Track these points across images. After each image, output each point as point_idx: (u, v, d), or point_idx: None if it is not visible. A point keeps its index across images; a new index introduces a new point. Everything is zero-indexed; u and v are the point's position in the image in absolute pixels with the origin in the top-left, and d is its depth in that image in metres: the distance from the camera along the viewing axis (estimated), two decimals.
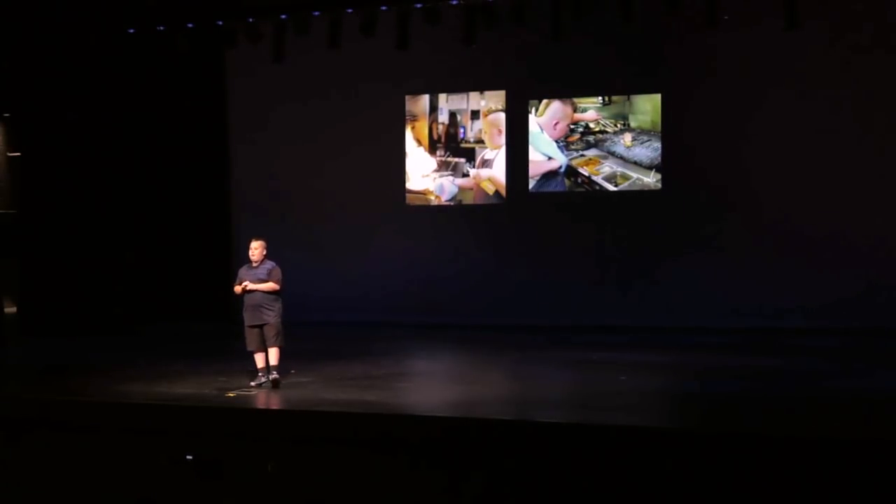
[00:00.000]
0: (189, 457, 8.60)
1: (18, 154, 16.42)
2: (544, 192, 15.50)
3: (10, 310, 15.75)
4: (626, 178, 15.00)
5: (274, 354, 10.28)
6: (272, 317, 10.19)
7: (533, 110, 15.47)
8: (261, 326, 10.22)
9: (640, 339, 13.75)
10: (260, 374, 10.28)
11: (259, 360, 10.30)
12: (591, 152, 15.16)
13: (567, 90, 15.31)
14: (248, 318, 10.26)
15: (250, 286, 10.15)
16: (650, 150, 14.87)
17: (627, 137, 14.96)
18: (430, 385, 10.50)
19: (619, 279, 15.11)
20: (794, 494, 7.46)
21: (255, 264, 10.27)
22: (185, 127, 16.33)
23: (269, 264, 10.30)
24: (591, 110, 15.16)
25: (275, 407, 9.80)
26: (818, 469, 7.50)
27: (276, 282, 10.20)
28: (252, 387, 10.21)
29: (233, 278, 10.46)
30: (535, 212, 15.59)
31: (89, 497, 8.86)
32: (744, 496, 7.57)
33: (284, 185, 16.33)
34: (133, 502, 8.74)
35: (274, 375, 10.26)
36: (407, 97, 15.98)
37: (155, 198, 16.31)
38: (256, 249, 10.28)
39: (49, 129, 15.74)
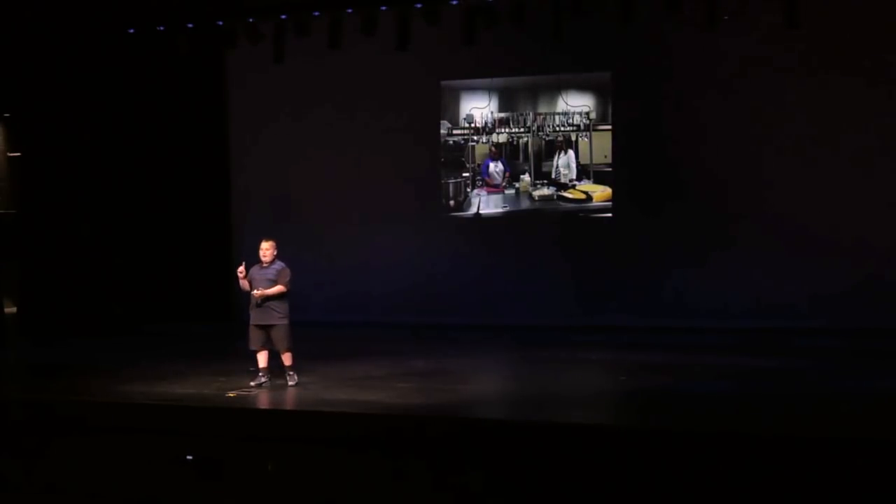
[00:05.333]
0: (189, 457, 8.60)
1: (18, 154, 16.43)
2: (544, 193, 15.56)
3: (10, 310, 15.75)
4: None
5: (288, 357, 10.29)
6: (279, 317, 10.16)
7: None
8: (266, 327, 10.21)
9: (639, 339, 13.74)
10: (260, 373, 10.27)
11: (261, 359, 10.28)
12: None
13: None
14: (255, 317, 10.21)
15: (260, 293, 10.07)
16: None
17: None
18: (430, 385, 10.49)
19: (618, 280, 15.11)
20: (794, 494, 7.46)
21: (265, 264, 10.27)
22: (186, 127, 16.33)
23: (279, 265, 10.27)
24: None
25: (275, 407, 9.80)
26: (818, 469, 7.50)
27: (283, 284, 10.16)
28: (252, 387, 10.21)
29: (233, 279, 10.43)
30: (535, 211, 15.60)
31: (89, 497, 8.86)
32: (743, 496, 7.57)
33: (285, 186, 16.32)
34: (133, 502, 8.74)
35: (292, 376, 10.28)
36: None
37: (155, 198, 16.31)
38: (267, 250, 10.23)
39: (49, 129, 15.75)
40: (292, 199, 16.23)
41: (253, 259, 10.30)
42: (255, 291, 10.10)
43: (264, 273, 10.20)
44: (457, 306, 15.45)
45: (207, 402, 9.67)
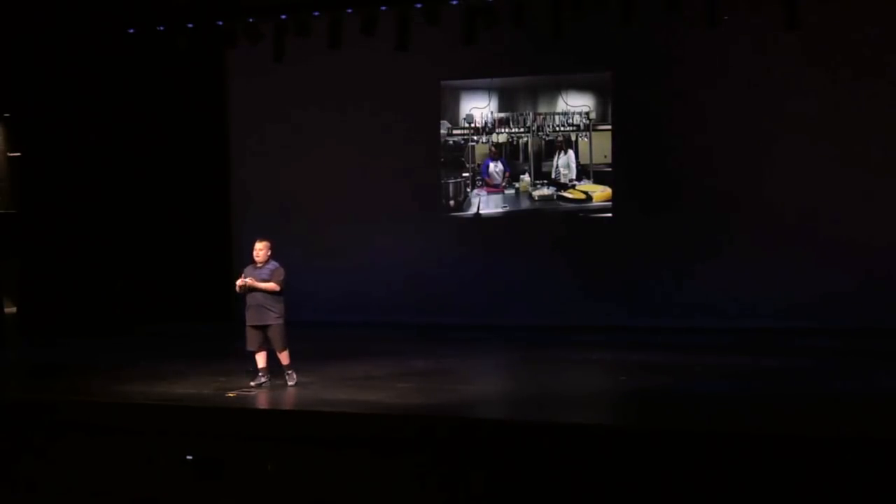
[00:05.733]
0: (189, 457, 8.60)
1: (18, 154, 16.43)
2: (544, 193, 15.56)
3: (10, 310, 15.75)
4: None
5: (285, 356, 10.31)
6: (274, 317, 10.18)
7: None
8: (262, 327, 10.22)
9: (639, 339, 13.74)
10: (260, 374, 10.28)
11: (260, 359, 10.30)
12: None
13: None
14: (250, 318, 10.25)
15: (250, 283, 10.14)
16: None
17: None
18: (430, 385, 10.50)
19: (618, 280, 15.10)
20: (794, 494, 7.46)
21: (259, 265, 10.28)
22: (186, 127, 16.33)
23: (273, 265, 10.30)
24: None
25: (275, 407, 9.81)
26: (818, 469, 7.50)
27: (277, 283, 10.18)
28: (252, 387, 10.21)
29: (233, 279, 10.45)
30: (535, 211, 15.60)
31: (89, 497, 8.86)
32: (743, 496, 7.57)
33: (285, 185, 16.32)
34: (133, 502, 8.74)
35: (291, 375, 10.31)
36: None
37: (155, 198, 16.31)
38: (261, 251, 10.28)
39: (49, 129, 15.75)
40: (292, 199, 16.22)
41: (251, 259, 10.33)
42: (247, 280, 10.12)
43: (258, 273, 10.23)
44: (457, 306, 15.45)
45: (207, 402, 9.68)
